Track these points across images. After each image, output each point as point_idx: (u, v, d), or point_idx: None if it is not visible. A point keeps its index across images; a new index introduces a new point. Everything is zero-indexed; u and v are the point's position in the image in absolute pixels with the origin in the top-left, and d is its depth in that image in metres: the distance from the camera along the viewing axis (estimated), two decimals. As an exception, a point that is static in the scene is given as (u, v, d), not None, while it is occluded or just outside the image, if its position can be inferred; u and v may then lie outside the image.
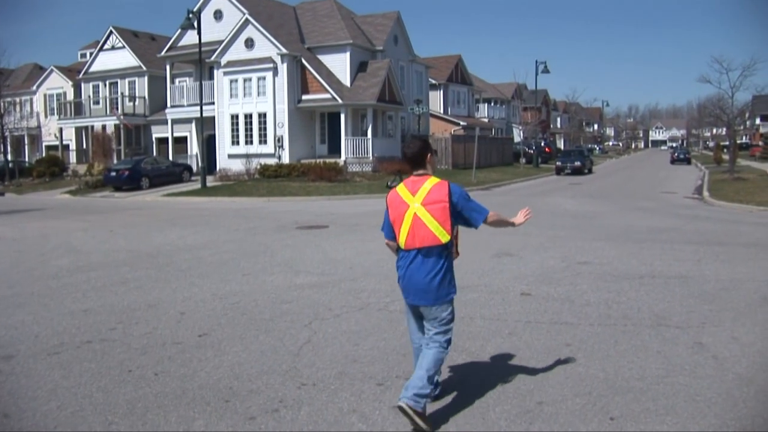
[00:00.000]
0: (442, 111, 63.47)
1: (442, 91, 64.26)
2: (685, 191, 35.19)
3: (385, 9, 50.44)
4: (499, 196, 30.90)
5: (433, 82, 60.74)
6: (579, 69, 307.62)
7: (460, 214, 5.87)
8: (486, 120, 74.63)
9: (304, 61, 41.87)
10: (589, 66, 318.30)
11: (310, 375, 6.76)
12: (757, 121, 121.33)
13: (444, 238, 5.71)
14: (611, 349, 7.59)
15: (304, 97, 42.10)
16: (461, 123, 62.34)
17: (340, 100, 40.95)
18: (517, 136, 76.53)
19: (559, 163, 51.81)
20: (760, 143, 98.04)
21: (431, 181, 5.83)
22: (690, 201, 29.70)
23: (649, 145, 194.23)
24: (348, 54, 43.33)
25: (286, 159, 40.93)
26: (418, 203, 5.73)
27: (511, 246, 14.83)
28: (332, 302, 9.88)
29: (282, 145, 41.35)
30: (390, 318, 8.98)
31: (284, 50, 40.77)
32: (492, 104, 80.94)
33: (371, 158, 41.53)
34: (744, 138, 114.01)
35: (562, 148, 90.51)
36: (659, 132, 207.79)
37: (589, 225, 19.42)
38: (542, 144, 71.92)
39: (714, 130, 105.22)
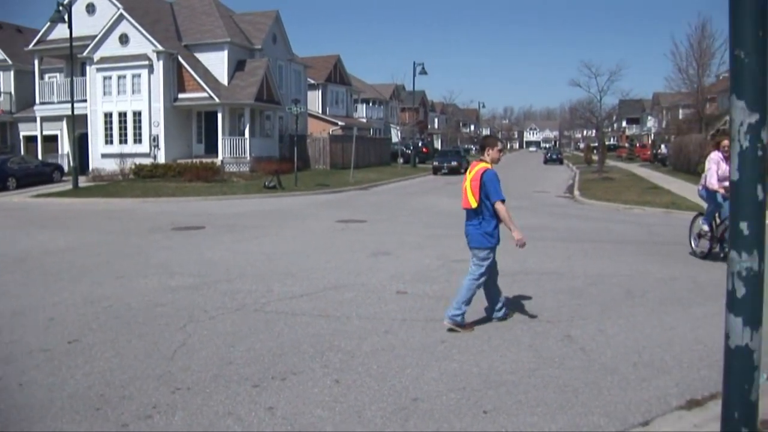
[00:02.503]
0: (320, 111, 63.41)
1: (320, 91, 64.20)
2: (557, 190, 36.35)
3: (264, 8, 49.80)
4: (376, 196, 31.10)
5: (312, 82, 60.60)
6: (456, 71, 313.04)
7: (484, 190, 8.37)
8: (364, 120, 74.95)
9: (180, 59, 41.01)
10: (466, 68, 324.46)
11: (184, 379, 6.64)
12: (624, 123, 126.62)
13: (473, 204, 8.42)
14: (485, 345, 7.77)
15: (181, 95, 41.29)
16: (340, 123, 62.44)
17: (217, 99, 40.36)
18: (395, 136, 77.27)
19: (436, 163, 52.45)
20: (627, 145, 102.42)
21: (479, 166, 8.59)
22: (562, 200, 30.69)
23: (524, 146, 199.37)
24: (226, 52, 42.76)
25: (162, 159, 40.04)
26: (468, 179, 8.59)
27: (387, 245, 14.97)
28: (208, 304, 9.73)
29: (158, 145, 40.43)
30: (266, 319, 8.91)
31: (160, 47, 39.84)
32: (370, 105, 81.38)
33: (249, 158, 41.12)
34: (612, 139, 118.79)
35: (440, 148, 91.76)
36: (533, 133, 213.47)
37: (465, 223, 19.75)
38: (420, 144, 72.79)
39: (584, 132, 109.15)
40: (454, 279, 11.47)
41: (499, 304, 8.84)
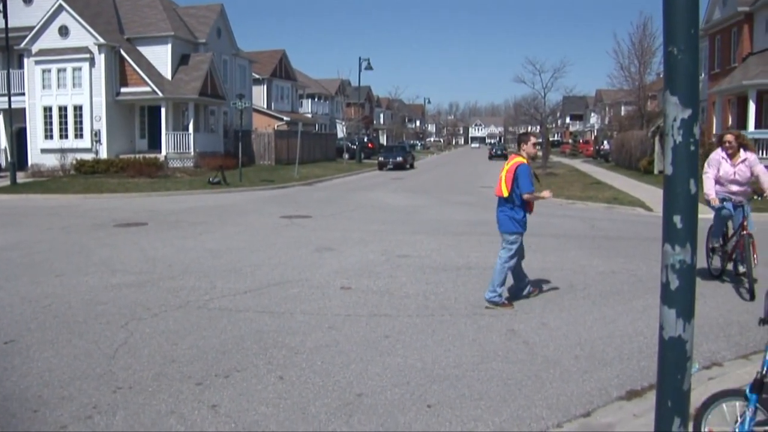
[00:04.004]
0: (265, 106, 62.96)
1: (265, 86, 63.72)
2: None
3: (209, 1, 49.13)
4: (321, 192, 31.03)
5: (257, 76, 60.13)
6: (402, 66, 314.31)
7: (516, 182, 9.24)
8: (310, 115, 74.66)
9: (123, 52, 40.26)
10: (411, 64, 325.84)
11: (126, 378, 6.54)
12: (568, 120, 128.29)
13: (505, 193, 9.32)
14: (429, 339, 7.81)
15: (123, 89, 40.56)
16: (285, 118, 62.06)
17: (160, 94, 39.78)
18: (341, 131, 77.02)
19: (381, 159, 52.55)
20: (570, 141, 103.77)
21: (515, 160, 9.40)
22: (505, 194, 30.90)
23: (469, 142, 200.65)
24: (169, 46, 42.11)
25: (104, 154, 39.30)
26: (504, 170, 9.37)
27: (332, 241, 14.95)
28: (150, 301, 9.60)
29: (99, 140, 39.69)
30: (210, 316, 8.84)
31: (102, 40, 39.04)
32: (316, 100, 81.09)
33: (193, 154, 40.65)
34: (556, 136, 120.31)
35: (385, 143, 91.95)
36: (479, 129, 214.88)
37: (410, 219, 19.87)
38: (365, 140, 72.81)
39: (529, 128, 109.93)
40: (397, 274, 11.54)
41: (524, 284, 9.92)
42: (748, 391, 4.36)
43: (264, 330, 8.19)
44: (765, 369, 4.35)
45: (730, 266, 10.93)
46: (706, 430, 4.57)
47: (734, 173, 10.49)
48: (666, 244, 2.78)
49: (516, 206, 9.36)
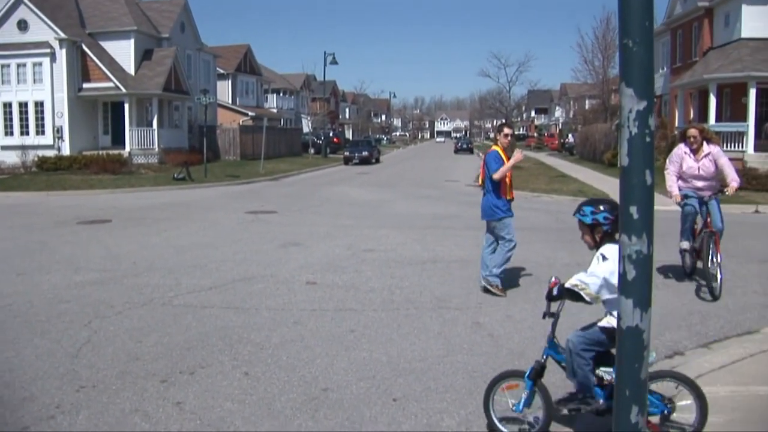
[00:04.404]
0: (230, 101, 62.57)
1: (230, 81, 63.32)
2: (468, 179, 36.71)
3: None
4: (287, 187, 30.93)
5: (222, 71, 59.70)
6: (367, 61, 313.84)
7: (487, 169, 9.65)
8: (275, 110, 74.33)
9: (85, 47, 39.74)
10: (377, 58, 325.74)
11: (89, 377, 6.48)
12: (533, 113, 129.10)
13: (480, 182, 10.01)
14: (394, 333, 7.83)
15: (86, 85, 40.03)
16: (250, 113, 61.68)
17: (123, 89, 39.32)
18: (306, 126, 76.83)
19: (347, 153, 52.48)
20: (535, 134, 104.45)
21: (491, 149, 9.84)
22: (472, 189, 31.00)
23: (435, 136, 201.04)
24: (132, 41, 41.61)
25: (66, 151, 38.75)
26: (483, 161, 9.88)
27: (297, 236, 14.92)
28: (114, 299, 9.50)
29: (62, 136, 39.15)
30: (174, 312, 8.78)
31: (63, 35, 38.46)
32: (281, 95, 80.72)
33: (157, 150, 40.28)
34: (521, 129, 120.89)
35: (351, 138, 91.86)
36: (444, 123, 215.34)
37: (376, 213, 19.89)
38: (331, 134, 72.66)
39: (494, 122, 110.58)
40: (363, 268, 11.55)
41: (488, 270, 9.80)
42: (526, 375, 5.08)
43: (229, 326, 8.16)
44: (544, 358, 5.16)
45: (701, 264, 10.13)
46: (492, 405, 5.23)
47: (698, 168, 10.18)
48: (623, 235, 2.81)
49: (491, 192, 9.66)
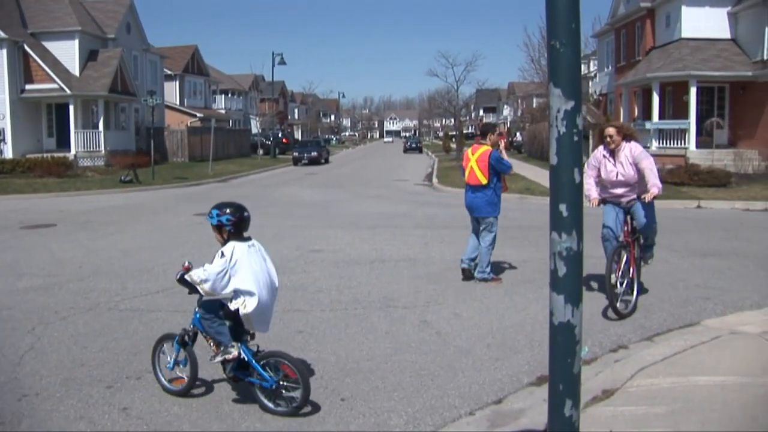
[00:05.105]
0: (178, 102, 61.98)
1: (178, 82, 62.70)
2: (416, 179, 36.95)
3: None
4: (236, 188, 30.77)
5: (169, 72, 59.09)
6: (316, 61, 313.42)
7: (494, 168, 10.19)
8: (223, 111, 73.81)
9: (27, 48, 38.94)
10: (325, 58, 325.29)
11: (32, 384, 6.37)
12: (481, 112, 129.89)
13: (484, 181, 10.21)
14: (342, 333, 7.86)
15: (29, 86, 39.26)
16: (198, 114, 61.19)
17: (68, 91, 38.68)
18: (255, 127, 76.28)
19: (296, 154, 52.33)
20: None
21: (483, 149, 10.32)
22: (420, 188, 31.24)
23: (384, 135, 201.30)
24: (77, 41, 40.92)
25: (9, 154, 37.99)
26: (474, 160, 10.32)
27: (247, 237, 14.80)
28: (59, 305, 9.36)
29: (4, 139, 38.37)
30: (121, 317, 8.68)
31: (3, 34, 37.56)
32: (229, 96, 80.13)
33: (104, 152, 39.71)
34: (470, 128, 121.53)
35: (300, 138, 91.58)
36: (393, 122, 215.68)
37: (324, 213, 19.89)
38: (280, 135, 72.39)
39: (443, 121, 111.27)
40: (311, 269, 11.55)
41: (470, 257, 10.53)
42: (175, 340, 6.14)
43: (177, 329, 8.03)
44: (191, 327, 6.16)
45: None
46: (157, 363, 6.32)
47: (617, 174, 9.01)
48: (553, 232, 2.86)
49: (493, 189, 10.29)
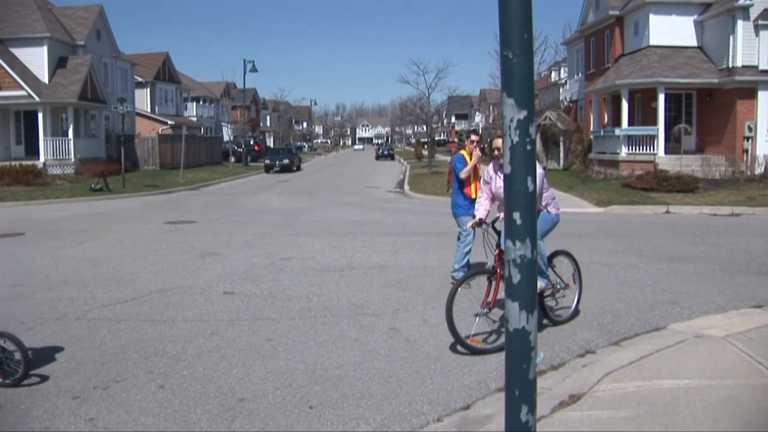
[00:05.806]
0: (149, 110, 61.57)
1: (149, 89, 62.28)
2: (388, 186, 36.99)
3: (87, 1, 47.70)
4: (207, 196, 30.63)
5: (140, 79, 58.69)
6: (287, 68, 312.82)
7: (454, 170, 10.71)
8: (195, 119, 73.46)
9: (-7, 54, 38.65)
10: (297, 66, 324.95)
11: (-3, 397, 6.32)
12: (453, 119, 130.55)
13: (447, 182, 11.31)
14: (311, 341, 7.86)
15: (-5, 94, 38.92)
16: (169, 122, 60.82)
17: (37, 98, 38.28)
18: (227, 134, 75.93)
19: (268, 161, 52.24)
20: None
21: (455, 153, 11.01)
22: (392, 195, 31.29)
23: (357, 142, 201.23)
24: (45, 48, 40.48)
25: (-25, 163, 37.69)
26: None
27: (216, 246, 14.79)
28: (25, 315, 9.26)
29: (-29, 147, 38.04)
30: (89, 327, 8.61)
31: (-31, 42, 37.40)
32: (201, 103, 79.80)
33: (73, 160, 39.34)
34: (442, 135, 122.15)
35: (272, 146, 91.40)
36: (366, 129, 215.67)
37: (295, 221, 19.86)
38: (251, 142, 72.24)
39: (415, 128, 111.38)
40: (281, 277, 11.54)
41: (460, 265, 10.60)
42: None
43: (145, 339, 8.06)
44: None
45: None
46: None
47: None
48: (507, 241, 2.90)
49: (455, 191, 10.72)
